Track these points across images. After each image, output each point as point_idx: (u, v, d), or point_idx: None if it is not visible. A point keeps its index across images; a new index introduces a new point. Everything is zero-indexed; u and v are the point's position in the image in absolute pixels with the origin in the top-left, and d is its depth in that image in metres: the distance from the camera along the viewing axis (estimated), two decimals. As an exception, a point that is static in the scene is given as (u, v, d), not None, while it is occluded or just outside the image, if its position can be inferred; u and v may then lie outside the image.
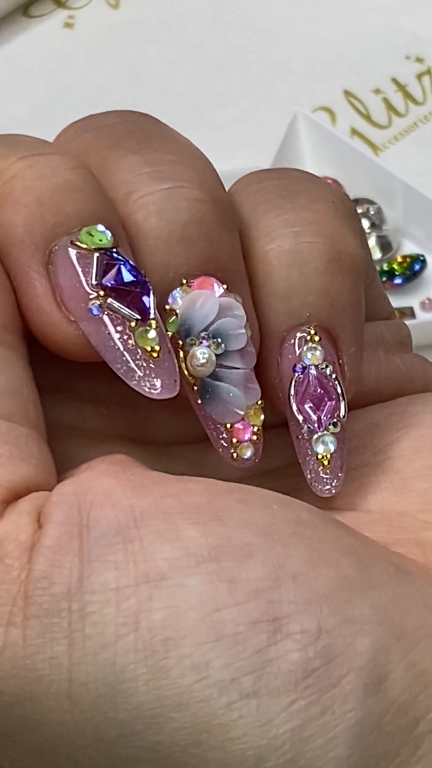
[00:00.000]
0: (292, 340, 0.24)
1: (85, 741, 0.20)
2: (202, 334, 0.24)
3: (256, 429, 0.24)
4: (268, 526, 0.21)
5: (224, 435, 0.24)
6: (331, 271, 0.24)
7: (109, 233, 0.23)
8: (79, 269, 0.23)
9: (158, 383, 0.23)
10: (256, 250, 0.25)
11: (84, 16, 0.72)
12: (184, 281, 0.24)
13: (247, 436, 0.24)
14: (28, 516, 0.21)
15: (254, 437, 0.24)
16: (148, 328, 0.23)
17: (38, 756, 0.20)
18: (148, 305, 0.23)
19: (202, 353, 0.24)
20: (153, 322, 0.23)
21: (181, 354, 0.24)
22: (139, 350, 0.23)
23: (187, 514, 0.21)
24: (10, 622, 0.20)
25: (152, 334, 0.23)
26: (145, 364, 0.23)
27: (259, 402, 0.24)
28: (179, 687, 0.19)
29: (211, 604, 0.20)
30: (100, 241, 0.23)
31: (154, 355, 0.23)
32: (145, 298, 0.23)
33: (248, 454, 0.24)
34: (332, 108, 0.67)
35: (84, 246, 0.23)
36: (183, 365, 0.24)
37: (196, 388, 0.24)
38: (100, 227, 0.23)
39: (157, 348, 0.23)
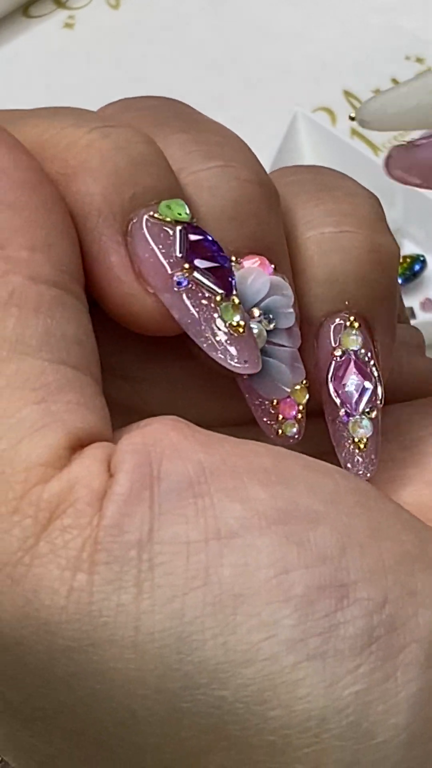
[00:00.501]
0: (330, 326, 0.25)
1: (145, 691, 0.20)
2: (254, 310, 0.24)
3: (301, 407, 0.24)
4: (333, 494, 0.21)
5: (270, 411, 0.24)
6: (371, 261, 0.25)
7: (186, 207, 0.23)
8: (160, 241, 0.23)
9: (243, 357, 0.23)
10: (297, 236, 0.25)
11: (84, 16, 0.72)
12: (233, 259, 0.24)
13: (293, 413, 0.24)
14: (99, 463, 0.20)
15: (299, 415, 0.24)
16: (233, 303, 0.23)
17: (92, 704, 0.20)
18: (232, 280, 0.23)
19: (254, 328, 0.24)
20: (235, 298, 0.23)
21: None
22: (225, 324, 0.23)
23: (254, 474, 0.21)
24: (78, 567, 0.20)
25: (238, 309, 0.23)
26: (230, 339, 0.23)
27: (304, 382, 0.24)
28: (247, 643, 0.19)
29: (281, 565, 0.20)
30: (179, 214, 0.23)
31: (240, 330, 0.23)
32: (228, 274, 0.23)
33: (293, 431, 0.24)
34: (332, 108, 0.67)
35: (164, 218, 0.23)
36: None
37: None
38: (180, 201, 0.23)
39: (242, 323, 0.23)
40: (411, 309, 0.60)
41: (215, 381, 0.24)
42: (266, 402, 0.24)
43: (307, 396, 0.24)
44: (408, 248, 0.62)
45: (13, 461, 0.20)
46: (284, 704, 0.19)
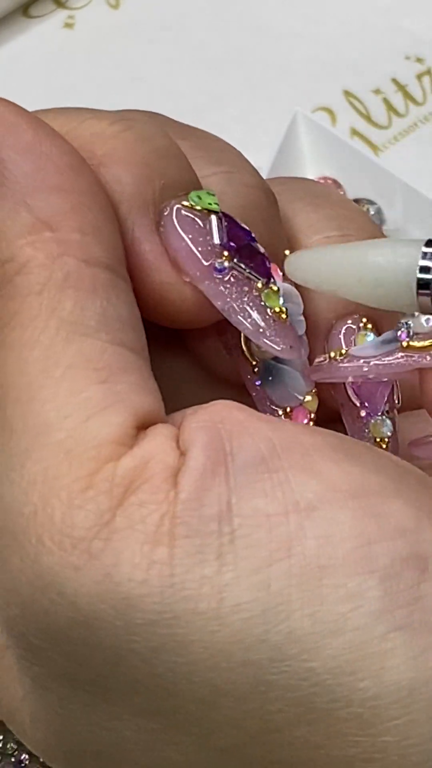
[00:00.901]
0: (342, 328, 0.25)
1: (230, 664, 0.20)
2: None
3: (312, 416, 0.24)
4: (397, 472, 0.21)
5: (283, 419, 0.24)
6: None
7: (216, 196, 0.23)
8: (194, 231, 0.23)
9: (289, 342, 0.23)
10: (301, 239, 0.25)
11: (84, 16, 0.72)
12: None
13: (304, 422, 0.24)
14: (171, 441, 0.21)
15: (310, 423, 0.24)
16: (272, 289, 0.23)
17: (172, 680, 0.20)
18: (268, 268, 0.23)
19: None
20: (274, 285, 0.23)
21: (243, 335, 0.24)
22: (268, 310, 0.23)
23: (323, 451, 0.21)
24: (158, 540, 0.20)
25: (278, 295, 0.23)
26: (275, 324, 0.23)
27: (314, 390, 0.25)
28: (335, 614, 0.20)
29: (363, 537, 0.20)
30: (210, 204, 0.23)
31: (283, 316, 0.23)
32: (265, 260, 0.23)
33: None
34: (332, 108, 0.67)
35: (196, 208, 0.23)
36: (244, 346, 0.24)
37: (257, 369, 0.24)
38: (210, 190, 0.23)
39: (285, 309, 0.23)
40: (411, 309, 0.60)
41: (217, 388, 0.24)
42: (279, 410, 0.24)
43: (318, 403, 0.25)
44: (408, 248, 0.62)
45: (82, 439, 0.20)
46: (373, 675, 0.20)
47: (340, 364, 0.24)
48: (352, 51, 0.69)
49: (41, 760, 0.24)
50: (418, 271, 0.22)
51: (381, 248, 0.23)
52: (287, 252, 0.25)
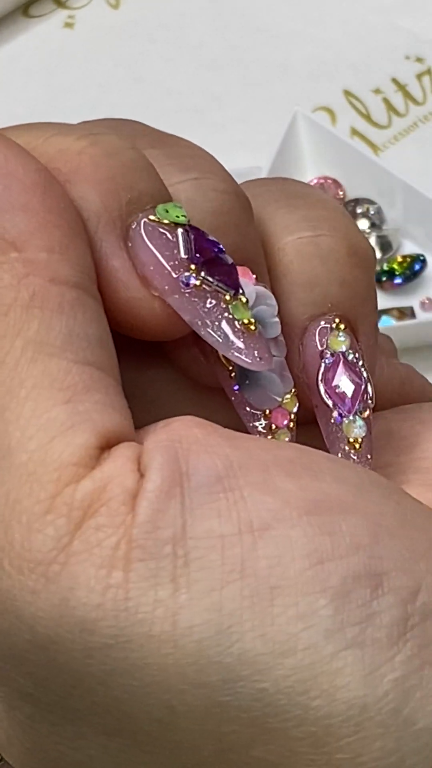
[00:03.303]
0: (316, 329, 0.25)
1: (184, 686, 0.20)
2: None
3: (292, 416, 0.24)
4: (359, 484, 0.21)
5: (262, 422, 0.24)
6: (351, 264, 0.25)
7: (183, 209, 0.23)
8: (161, 245, 0.23)
9: (259, 354, 0.23)
10: (274, 242, 0.25)
11: (84, 16, 0.72)
12: None
13: (284, 422, 0.24)
14: (131, 462, 0.21)
15: (291, 424, 0.24)
16: (241, 301, 0.23)
17: (129, 702, 0.20)
18: (237, 279, 0.23)
19: None
20: (242, 297, 0.23)
21: None
22: (236, 323, 0.23)
23: (281, 466, 0.21)
24: (113, 564, 0.20)
25: (247, 307, 0.23)
26: (243, 337, 0.23)
27: (293, 390, 0.25)
28: (286, 634, 0.20)
29: (315, 556, 0.20)
30: (177, 217, 0.23)
31: (252, 328, 0.23)
32: (233, 272, 0.23)
33: (285, 439, 0.24)
34: (332, 108, 0.67)
35: (161, 222, 0.23)
36: (220, 352, 0.24)
37: (233, 374, 0.24)
38: (176, 203, 0.23)
39: (253, 320, 0.23)
40: (411, 309, 0.60)
41: (200, 395, 0.24)
42: (258, 412, 0.24)
43: (297, 404, 0.25)
44: (408, 248, 0.62)
45: (44, 461, 0.20)
46: (326, 693, 0.20)
47: None
48: (352, 51, 0.69)
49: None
50: None
51: None
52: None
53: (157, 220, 0.23)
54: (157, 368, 0.26)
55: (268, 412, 0.24)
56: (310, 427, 0.25)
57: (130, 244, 0.23)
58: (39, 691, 0.21)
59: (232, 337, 0.23)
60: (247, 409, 0.24)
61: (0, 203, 0.22)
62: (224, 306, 0.23)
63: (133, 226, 0.23)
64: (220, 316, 0.23)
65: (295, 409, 0.25)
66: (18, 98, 0.68)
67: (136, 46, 0.70)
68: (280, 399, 0.24)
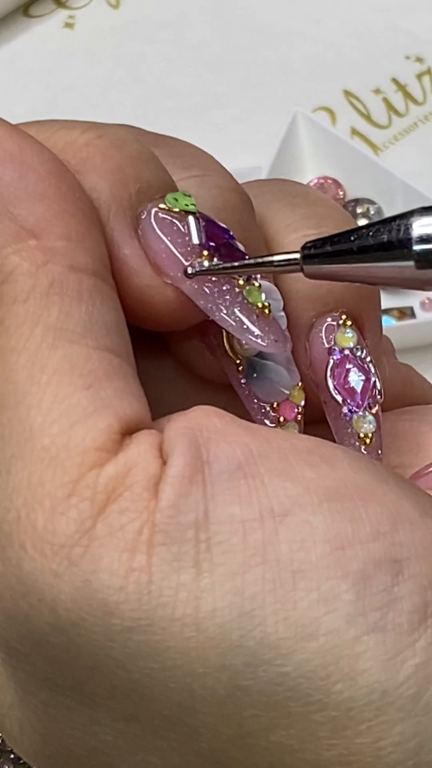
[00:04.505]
0: (322, 325, 0.25)
1: (206, 669, 0.20)
2: None
3: (300, 409, 0.24)
4: (376, 474, 0.21)
5: (270, 414, 0.24)
6: None
7: (192, 197, 0.23)
8: (172, 233, 0.23)
9: (274, 336, 0.23)
10: (278, 240, 0.25)
11: (84, 16, 0.72)
12: None
13: (293, 415, 0.24)
14: (153, 449, 0.21)
15: (299, 416, 0.24)
16: (254, 285, 0.23)
17: (149, 685, 0.20)
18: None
19: None
20: (255, 281, 0.23)
21: (225, 334, 0.24)
22: (252, 306, 0.23)
23: (300, 454, 0.21)
24: (136, 548, 0.20)
25: (260, 291, 0.23)
26: (258, 320, 0.23)
27: (300, 383, 0.25)
28: (308, 618, 0.20)
29: (336, 541, 0.20)
30: (186, 205, 0.23)
31: (266, 311, 0.23)
32: (244, 257, 0.23)
33: (294, 432, 0.24)
34: (332, 108, 0.67)
35: (173, 210, 0.23)
36: (227, 345, 0.24)
37: (241, 367, 0.24)
38: (185, 191, 0.23)
39: (267, 304, 0.23)
40: (411, 309, 0.60)
41: (206, 391, 0.24)
42: (266, 405, 0.24)
43: (304, 397, 0.25)
44: (408, 248, 0.62)
45: (67, 445, 0.20)
46: (347, 678, 0.20)
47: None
48: (352, 51, 0.69)
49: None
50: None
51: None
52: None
53: (167, 208, 0.23)
54: (163, 365, 0.26)
55: (276, 405, 0.24)
56: (316, 427, 0.25)
57: (140, 233, 0.23)
58: (57, 675, 0.21)
59: (246, 321, 0.23)
60: (255, 402, 0.24)
61: (17, 192, 0.22)
62: (238, 291, 0.23)
63: (143, 215, 0.23)
64: (234, 301, 0.23)
65: (302, 402, 0.25)
66: (18, 98, 0.68)
67: (136, 46, 0.70)
68: (287, 392, 0.24)
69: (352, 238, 0.23)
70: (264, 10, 0.71)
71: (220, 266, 0.23)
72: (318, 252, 0.23)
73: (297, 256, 0.23)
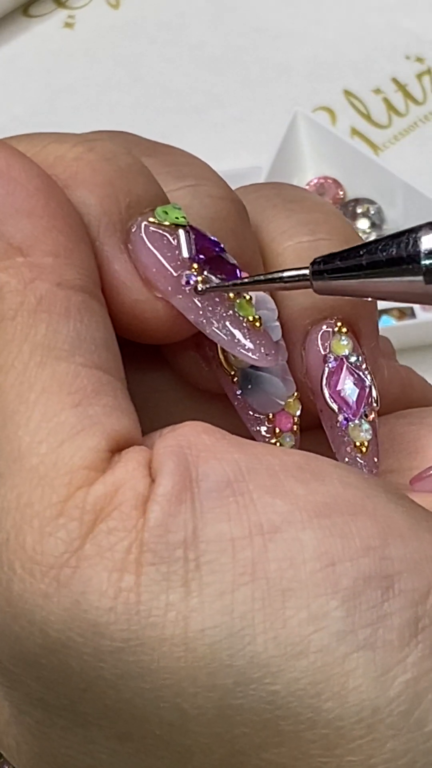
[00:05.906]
0: (317, 333, 0.25)
1: (196, 689, 0.20)
2: None
3: (295, 419, 0.24)
4: (366, 488, 0.21)
5: (266, 425, 0.24)
6: None
7: (182, 210, 0.23)
8: (162, 246, 0.23)
9: (266, 349, 0.23)
10: (273, 247, 0.25)
11: (84, 16, 0.72)
12: None
13: (288, 425, 0.24)
14: (142, 467, 0.21)
15: (294, 427, 0.24)
16: (245, 298, 0.23)
17: (140, 705, 0.20)
18: (240, 277, 0.23)
19: None
20: (247, 295, 0.23)
21: (219, 347, 0.24)
22: (243, 320, 0.23)
23: (289, 470, 0.21)
24: (125, 568, 0.20)
25: (251, 304, 0.23)
26: (249, 333, 0.23)
27: (296, 393, 0.25)
28: (298, 636, 0.20)
29: (326, 558, 0.20)
30: (177, 218, 0.23)
31: (257, 325, 0.23)
32: (235, 270, 0.23)
33: (290, 443, 0.24)
34: (332, 108, 0.67)
35: (163, 223, 0.23)
36: (221, 357, 0.24)
37: (236, 379, 0.24)
38: (175, 204, 0.23)
39: (258, 317, 0.23)
40: (411, 309, 0.60)
41: (201, 402, 0.24)
42: (262, 416, 0.24)
43: (300, 407, 0.25)
44: (408, 248, 0.62)
45: (55, 464, 0.20)
46: (337, 695, 0.20)
47: None
48: (352, 51, 0.69)
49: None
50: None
51: None
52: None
53: (156, 222, 0.23)
54: (157, 376, 0.26)
55: (271, 416, 0.24)
56: (314, 433, 0.25)
57: (131, 247, 0.23)
58: (50, 695, 0.21)
59: (238, 334, 0.23)
60: (251, 413, 0.24)
61: (4, 208, 0.22)
62: (229, 304, 0.23)
63: (133, 230, 0.23)
64: (225, 315, 0.23)
65: (298, 413, 0.25)
66: (18, 98, 0.68)
67: (136, 46, 0.70)
68: (283, 402, 0.24)
69: (361, 253, 0.23)
70: (264, 10, 0.71)
71: (230, 283, 0.23)
72: (327, 268, 0.23)
73: (306, 272, 0.23)
